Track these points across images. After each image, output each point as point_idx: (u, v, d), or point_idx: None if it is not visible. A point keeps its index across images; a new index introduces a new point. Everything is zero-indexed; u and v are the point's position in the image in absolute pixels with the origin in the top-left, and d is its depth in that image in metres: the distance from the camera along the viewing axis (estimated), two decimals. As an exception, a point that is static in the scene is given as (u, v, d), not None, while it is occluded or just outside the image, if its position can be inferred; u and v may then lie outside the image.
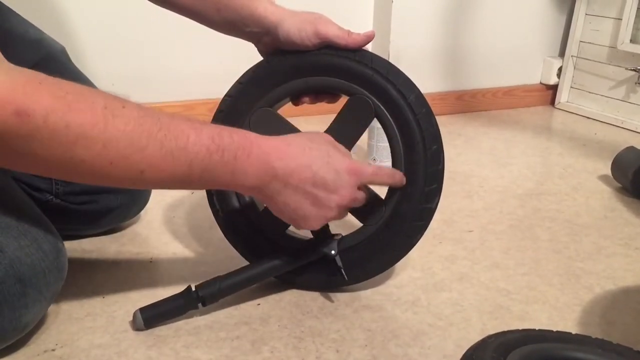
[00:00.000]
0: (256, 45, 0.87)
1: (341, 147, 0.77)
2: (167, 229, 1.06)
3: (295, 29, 0.80)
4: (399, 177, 0.80)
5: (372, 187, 0.84)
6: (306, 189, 0.71)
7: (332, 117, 0.84)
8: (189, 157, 0.63)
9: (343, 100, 0.85)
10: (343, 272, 0.82)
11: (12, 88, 0.53)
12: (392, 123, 0.81)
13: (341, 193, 0.73)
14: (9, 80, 0.54)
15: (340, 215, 0.76)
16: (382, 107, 0.81)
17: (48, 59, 0.98)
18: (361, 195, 0.76)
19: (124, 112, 0.59)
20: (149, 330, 0.77)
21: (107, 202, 0.97)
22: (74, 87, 0.58)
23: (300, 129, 0.85)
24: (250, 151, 0.67)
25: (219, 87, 0.88)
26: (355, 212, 0.84)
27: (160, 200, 1.16)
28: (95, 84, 1.06)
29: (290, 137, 0.73)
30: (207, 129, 0.65)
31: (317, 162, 0.71)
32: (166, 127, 0.61)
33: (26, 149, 0.56)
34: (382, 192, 0.83)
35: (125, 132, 0.59)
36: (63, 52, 1.04)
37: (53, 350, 0.74)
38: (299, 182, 0.70)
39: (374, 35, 0.82)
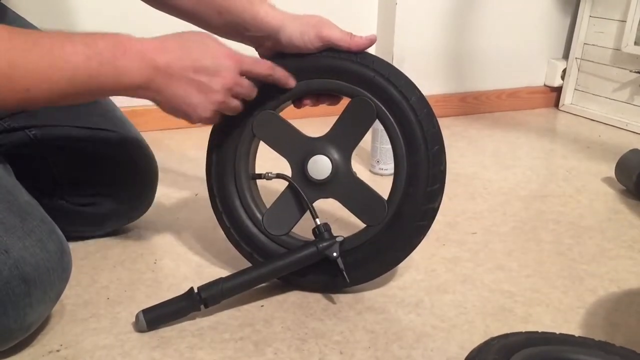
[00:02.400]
0: (257, 49, 0.87)
1: (220, 40, 0.78)
2: (171, 230, 1.06)
3: (298, 33, 0.80)
4: (280, 72, 0.81)
5: (374, 188, 0.84)
6: (189, 76, 0.72)
7: (334, 119, 0.84)
8: (70, 67, 0.65)
9: (345, 102, 0.85)
10: (345, 274, 0.83)
11: None
12: (394, 124, 0.81)
13: (223, 75, 0.74)
14: None
15: (228, 100, 0.77)
16: (383, 108, 0.81)
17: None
18: (245, 81, 0.78)
19: None
20: (153, 332, 0.78)
21: (112, 203, 0.97)
22: None
23: (303, 131, 0.86)
24: (126, 48, 0.69)
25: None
26: (358, 212, 0.84)
27: (164, 201, 1.16)
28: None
29: (162, 36, 0.74)
30: (80, 37, 0.66)
31: (195, 50, 0.73)
32: (40, 42, 0.63)
33: None
34: (384, 194, 0.84)
35: (1, 51, 0.61)
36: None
37: (57, 351, 0.74)
38: (180, 70, 0.72)
39: (376, 39, 0.82)
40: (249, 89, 0.79)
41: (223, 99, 0.76)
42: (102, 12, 1.48)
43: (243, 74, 0.77)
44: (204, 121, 0.77)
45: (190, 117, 0.76)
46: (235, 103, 0.78)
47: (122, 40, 0.69)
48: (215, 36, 0.79)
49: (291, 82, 0.82)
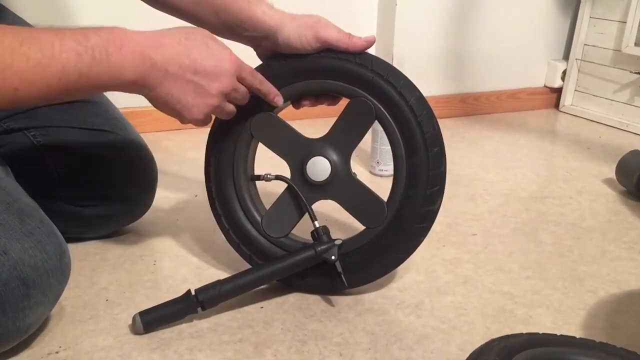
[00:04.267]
0: (255, 50, 0.87)
1: (220, 41, 0.77)
2: (171, 232, 1.06)
3: (296, 34, 0.80)
4: (273, 91, 0.81)
5: (373, 189, 0.84)
6: (187, 76, 0.71)
7: (334, 120, 0.84)
8: (59, 64, 0.63)
9: (344, 102, 0.85)
10: (343, 277, 0.82)
11: None
12: (393, 125, 0.81)
13: (222, 80, 0.73)
14: None
15: (223, 104, 0.76)
16: (383, 109, 0.81)
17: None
18: (242, 87, 0.77)
19: None
20: (153, 333, 0.77)
21: (111, 205, 0.97)
22: None
23: (302, 132, 0.85)
24: (122, 44, 0.67)
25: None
26: (358, 214, 0.84)
27: (163, 203, 1.16)
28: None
29: (163, 30, 0.73)
30: (71, 33, 0.65)
31: (195, 50, 0.72)
32: (28, 41, 0.62)
33: None
34: (384, 195, 0.83)
35: None
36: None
37: (56, 352, 0.74)
38: (178, 69, 0.71)
39: (374, 41, 0.82)
40: (244, 95, 0.78)
41: (219, 103, 0.75)
42: (101, 11, 1.48)
43: (240, 80, 0.76)
44: (196, 123, 0.76)
45: (182, 117, 0.75)
46: (230, 108, 0.77)
47: (118, 35, 0.68)
48: (215, 36, 0.78)
49: (278, 100, 0.82)
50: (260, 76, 0.80)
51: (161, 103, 0.73)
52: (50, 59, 0.63)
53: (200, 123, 0.77)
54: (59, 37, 0.64)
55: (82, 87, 0.66)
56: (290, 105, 0.88)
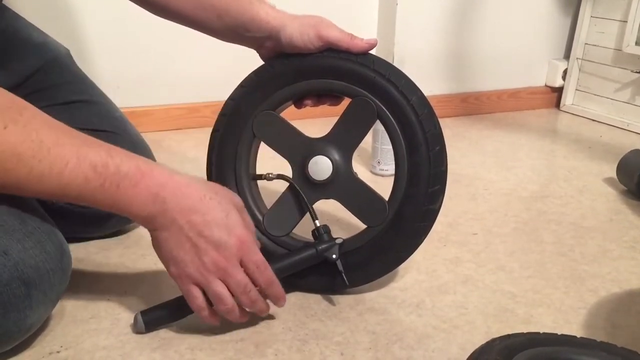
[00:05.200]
0: (257, 51, 0.87)
1: (247, 216, 0.75)
2: (172, 231, 1.06)
3: (298, 33, 0.80)
4: (276, 290, 0.75)
5: (374, 188, 0.84)
6: (189, 234, 0.68)
7: (335, 119, 0.84)
8: (62, 182, 0.62)
9: (346, 102, 0.85)
10: (344, 276, 0.82)
11: None
12: (395, 124, 0.81)
13: (220, 253, 0.69)
14: None
15: (210, 280, 0.70)
16: (384, 108, 0.81)
17: (52, 62, 0.99)
18: (239, 277, 0.70)
19: (1, 133, 0.59)
20: (154, 333, 0.77)
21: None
22: None
23: (304, 132, 0.86)
24: (139, 181, 0.66)
25: (223, 90, 0.88)
26: (359, 213, 0.84)
27: (164, 202, 1.16)
28: (100, 86, 1.07)
29: (193, 179, 0.71)
30: (94, 157, 0.64)
31: (212, 213, 0.69)
32: (45, 152, 0.61)
33: None
34: (385, 194, 0.83)
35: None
36: (67, 55, 1.04)
37: (58, 352, 0.74)
38: (185, 223, 0.68)
39: (376, 43, 0.82)
40: (238, 286, 0.71)
41: (207, 275, 0.69)
42: (104, 10, 1.48)
43: (243, 266, 0.71)
44: (181, 284, 0.71)
45: (169, 268, 0.71)
46: (218, 288, 0.70)
47: (142, 171, 0.66)
48: (244, 212, 0.74)
49: (282, 303, 0.77)
50: (269, 275, 0.73)
51: (156, 244, 0.71)
52: (55, 176, 0.62)
53: (184, 285, 0.71)
54: (80, 157, 0.63)
55: (81, 201, 0.66)
56: (292, 105, 0.88)
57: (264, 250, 0.86)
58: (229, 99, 0.87)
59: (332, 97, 0.87)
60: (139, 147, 1.00)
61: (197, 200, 0.68)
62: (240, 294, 0.71)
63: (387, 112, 0.81)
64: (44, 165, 0.61)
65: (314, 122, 1.11)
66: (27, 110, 0.63)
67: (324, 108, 0.90)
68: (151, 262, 0.95)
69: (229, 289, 0.71)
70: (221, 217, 0.69)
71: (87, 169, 0.63)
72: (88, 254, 0.97)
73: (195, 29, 0.87)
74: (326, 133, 0.85)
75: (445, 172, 0.82)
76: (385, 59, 0.83)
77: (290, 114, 0.88)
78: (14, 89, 0.91)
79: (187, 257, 0.69)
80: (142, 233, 1.05)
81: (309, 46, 0.81)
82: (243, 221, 0.72)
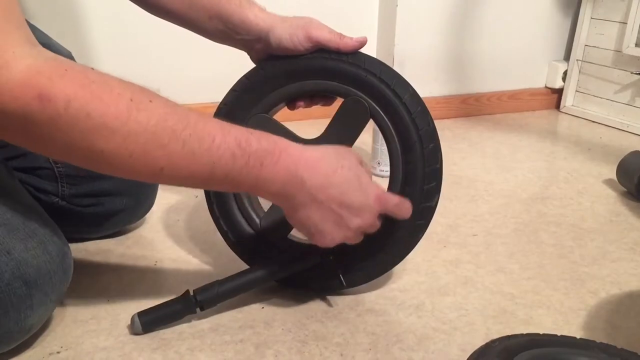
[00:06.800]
0: (248, 53, 0.87)
1: (367, 167, 0.77)
2: (172, 232, 1.06)
3: (287, 35, 0.80)
4: (406, 209, 0.78)
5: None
6: (332, 207, 0.70)
7: (328, 120, 0.84)
8: (211, 159, 0.62)
9: (338, 102, 0.85)
10: (341, 277, 0.82)
11: (37, 72, 0.54)
12: (388, 123, 0.81)
13: (364, 217, 0.72)
14: (36, 64, 0.54)
15: (357, 238, 0.75)
16: (377, 107, 0.81)
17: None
18: (378, 223, 0.76)
19: (150, 106, 0.59)
20: (153, 333, 0.78)
21: (113, 205, 0.97)
22: (101, 76, 0.58)
23: (299, 134, 0.85)
24: (279, 158, 0.66)
25: (220, 92, 0.88)
26: None
27: (165, 203, 1.16)
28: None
29: (322, 151, 0.72)
30: (236, 132, 0.64)
31: (347, 184, 0.71)
32: (192, 126, 0.61)
33: (46, 134, 0.56)
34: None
35: (148, 127, 0.58)
36: (69, 57, 1.04)
37: (58, 352, 0.74)
38: (326, 198, 0.69)
39: (366, 41, 0.82)
40: (377, 228, 0.76)
41: (354, 235, 0.74)
42: (106, 11, 1.49)
43: (382, 213, 0.75)
44: (332, 245, 0.74)
45: (314, 239, 0.74)
46: (360, 238, 0.76)
47: (279, 147, 0.67)
48: (364, 163, 0.76)
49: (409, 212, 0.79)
50: (407, 206, 0.77)
51: (297, 220, 0.72)
52: (205, 152, 0.61)
53: (327, 246, 0.75)
54: (224, 132, 0.63)
55: (224, 183, 0.65)
56: (285, 107, 0.88)
57: (261, 253, 0.86)
58: (221, 103, 0.87)
59: (324, 97, 0.88)
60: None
61: (332, 174, 0.70)
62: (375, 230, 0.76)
63: (380, 110, 0.81)
64: (193, 140, 0.60)
65: (308, 123, 1.11)
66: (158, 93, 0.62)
67: (318, 109, 0.91)
68: (151, 262, 0.96)
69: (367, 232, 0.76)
70: (355, 183, 0.71)
71: (233, 144, 0.63)
72: (88, 255, 0.97)
73: (189, 29, 0.87)
74: (320, 134, 0.85)
75: (440, 169, 0.82)
76: (385, 61, 0.83)
77: (284, 116, 0.88)
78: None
79: (334, 228, 0.72)
80: (142, 233, 1.05)
81: (298, 47, 0.81)
82: (368, 175, 0.75)
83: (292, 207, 0.71)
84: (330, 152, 0.72)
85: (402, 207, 0.77)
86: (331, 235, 0.72)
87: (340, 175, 0.70)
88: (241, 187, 0.67)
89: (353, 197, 0.71)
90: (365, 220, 0.73)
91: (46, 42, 1.00)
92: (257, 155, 0.65)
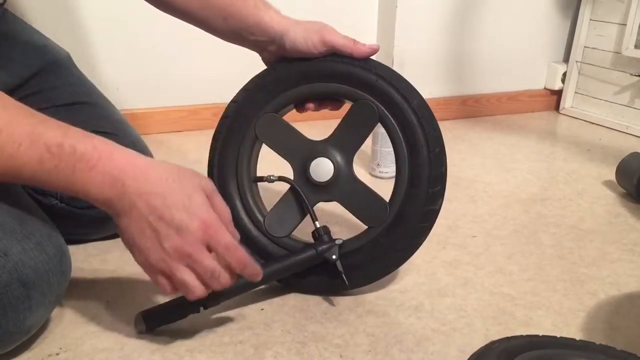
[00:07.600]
0: (260, 54, 0.88)
1: (219, 201, 0.70)
2: (171, 233, 1.06)
3: (302, 38, 0.81)
4: (252, 270, 0.71)
5: (374, 188, 0.84)
6: (149, 218, 0.64)
7: (337, 122, 0.85)
8: (15, 164, 0.61)
9: (346, 107, 0.86)
10: (344, 277, 0.83)
11: None
12: (396, 127, 0.82)
13: (183, 238, 0.65)
14: None
15: (174, 267, 0.66)
16: (386, 111, 0.82)
17: (53, 64, 0.99)
18: (206, 263, 0.66)
19: None
20: (153, 335, 0.77)
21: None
22: None
23: (306, 135, 0.86)
24: (96, 164, 0.63)
25: (223, 93, 0.88)
26: (360, 214, 0.84)
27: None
28: (100, 89, 1.07)
29: (158, 163, 0.68)
30: (49, 136, 0.61)
31: (172, 197, 0.65)
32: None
33: None
34: (385, 196, 0.83)
35: None
36: (67, 57, 1.05)
37: (57, 354, 0.74)
38: (145, 207, 0.64)
39: (378, 49, 0.83)
40: (206, 271, 0.67)
41: (171, 261, 0.66)
42: (104, 12, 1.49)
43: (211, 249, 0.67)
44: (150, 271, 0.68)
45: (134, 255, 0.68)
46: (185, 276, 0.67)
47: (100, 153, 0.64)
48: (216, 196, 0.70)
49: (259, 278, 0.73)
50: (240, 255, 0.69)
51: (120, 230, 0.67)
52: (8, 157, 0.60)
53: (151, 274, 0.68)
54: (33, 138, 0.61)
55: (35, 183, 0.64)
56: (294, 109, 0.89)
57: (264, 252, 0.86)
58: (232, 101, 0.87)
59: (333, 101, 0.88)
60: (138, 149, 0.99)
61: (158, 183, 0.65)
62: (209, 279, 0.68)
63: (389, 114, 0.82)
64: None
65: (316, 124, 1.11)
66: None
67: (325, 111, 0.91)
68: (151, 264, 0.95)
69: (198, 275, 0.67)
70: (183, 200, 0.65)
71: (41, 149, 0.61)
72: (87, 256, 0.97)
73: (199, 27, 0.87)
74: (328, 135, 0.85)
75: (445, 173, 0.82)
76: (385, 62, 0.83)
77: (292, 118, 0.88)
78: (14, 90, 0.92)
79: (148, 243, 0.65)
80: (141, 235, 1.05)
81: (312, 51, 0.82)
82: (209, 204, 0.68)
83: (115, 215, 0.66)
84: (166, 165, 0.68)
85: (234, 253, 0.68)
86: (146, 253, 0.66)
87: (167, 186, 0.65)
88: (54, 188, 0.64)
89: (175, 212, 0.65)
90: (181, 244, 0.65)
91: (43, 43, 1.01)
92: (68, 160, 0.62)
